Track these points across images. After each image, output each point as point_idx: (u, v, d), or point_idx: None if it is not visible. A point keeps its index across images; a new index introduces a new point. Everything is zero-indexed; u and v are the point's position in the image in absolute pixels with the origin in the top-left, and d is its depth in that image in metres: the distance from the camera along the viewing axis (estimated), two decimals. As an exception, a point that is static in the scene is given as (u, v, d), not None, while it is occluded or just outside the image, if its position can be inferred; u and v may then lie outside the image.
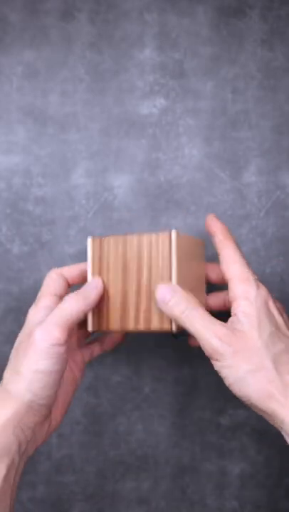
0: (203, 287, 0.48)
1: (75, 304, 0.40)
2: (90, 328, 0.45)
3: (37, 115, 0.55)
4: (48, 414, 0.40)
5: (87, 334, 0.49)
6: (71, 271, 0.45)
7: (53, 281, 0.44)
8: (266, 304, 0.40)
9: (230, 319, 0.40)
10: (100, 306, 0.44)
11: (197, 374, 0.55)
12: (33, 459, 0.55)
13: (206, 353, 0.39)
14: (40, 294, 0.43)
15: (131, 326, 0.44)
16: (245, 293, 0.40)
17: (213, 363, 0.39)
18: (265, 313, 0.39)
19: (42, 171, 0.55)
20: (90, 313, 0.45)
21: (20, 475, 0.38)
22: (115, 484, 0.55)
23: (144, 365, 0.55)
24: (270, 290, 0.55)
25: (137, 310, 0.43)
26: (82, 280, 0.46)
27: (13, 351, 0.41)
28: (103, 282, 0.43)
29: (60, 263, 0.55)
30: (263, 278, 0.55)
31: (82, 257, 0.55)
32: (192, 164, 0.55)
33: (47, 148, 0.55)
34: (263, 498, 0.55)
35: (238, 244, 0.43)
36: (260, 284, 0.41)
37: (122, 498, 0.55)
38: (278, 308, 0.41)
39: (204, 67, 0.55)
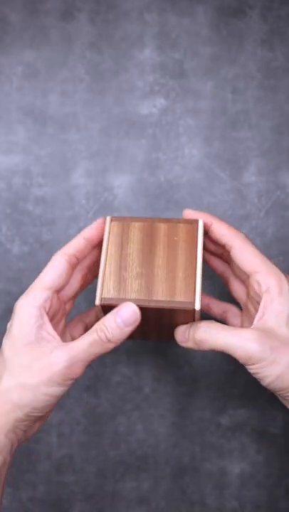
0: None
1: (105, 346, 0.38)
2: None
3: (37, 115, 0.55)
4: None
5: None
6: (79, 246, 0.42)
7: (53, 269, 0.41)
8: None
9: (258, 316, 0.40)
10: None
11: (197, 374, 0.55)
12: (33, 459, 0.55)
13: (242, 361, 0.38)
14: (33, 284, 0.40)
15: (154, 340, 0.44)
16: (278, 288, 0.40)
17: (250, 367, 0.38)
18: None
19: (42, 171, 0.55)
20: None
21: (8, 471, 0.39)
22: (115, 484, 0.55)
23: (144, 365, 0.55)
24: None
25: (159, 334, 0.43)
26: (89, 252, 0.43)
27: (6, 350, 0.39)
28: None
29: (60, 263, 0.55)
30: (263, 278, 0.55)
31: (82, 257, 0.55)
32: (192, 164, 0.55)
33: (47, 148, 0.55)
34: (263, 498, 0.55)
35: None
36: (287, 275, 0.41)
37: (122, 498, 0.55)
38: None
39: (204, 67, 0.55)
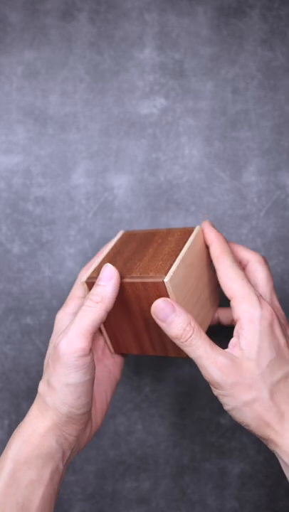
0: (214, 296, 0.47)
1: (95, 310, 0.38)
2: (112, 350, 0.45)
3: (37, 115, 0.55)
4: (89, 420, 0.40)
5: None
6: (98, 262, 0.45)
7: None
8: (271, 326, 0.39)
9: (232, 342, 0.39)
10: (113, 326, 0.43)
11: (197, 374, 0.55)
12: (33, 459, 0.55)
13: (206, 380, 0.39)
14: (69, 296, 0.44)
15: (150, 352, 0.44)
16: (249, 314, 0.39)
17: (212, 389, 0.39)
18: (267, 338, 0.38)
19: (42, 171, 0.55)
20: (108, 338, 0.45)
21: (62, 480, 0.39)
22: (115, 484, 0.55)
23: (144, 365, 0.55)
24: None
25: (150, 338, 0.43)
26: None
27: (46, 358, 0.41)
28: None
29: (60, 263, 0.55)
30: (263, 278, 0.55)
31: (82, 257, 0.55)
32: (192, 164, 0.55)
33: (47, 148, 0.55)
34: (263, 498, 0.55)
35: (235, 258, 0.42)
36: (264, 303, 0.39)
37: (122, 498, 0.55)
38: (283, 327, 0.40)
39: (204, 67, 0.55)
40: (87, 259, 0.55)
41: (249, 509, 0.55)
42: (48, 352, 0.42)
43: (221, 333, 0.54)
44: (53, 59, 0.55)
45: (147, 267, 0.40)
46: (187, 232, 0.43)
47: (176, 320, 0.37)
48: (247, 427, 0.38)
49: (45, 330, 0.55)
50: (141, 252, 0.42)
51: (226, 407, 0.38)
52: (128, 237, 0.45)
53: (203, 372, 0.38)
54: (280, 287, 0.55)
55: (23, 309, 0.55)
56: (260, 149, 0.55)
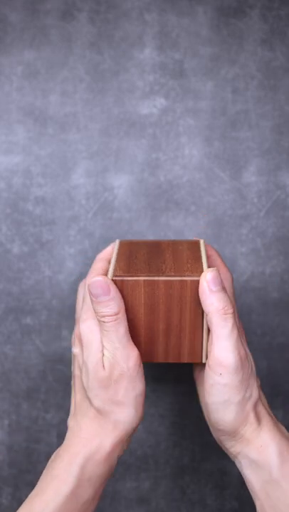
0: None
1: (119, 320, 0.38)
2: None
3: (37, 115, 0.55)
4: None
5: None
6: (105, 267, 0.43)
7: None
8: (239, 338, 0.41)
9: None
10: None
11: (197, 374, 0.55)
12: (33, 459, 0.55)
13: (216, 362, 0.38)
14: (82, 311, 0.41)
15: (160, 359, 0.43)
16: (218, 314, 0.40)
17: (212, 376, 0.38)
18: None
19: (42, 171, 0.55)
20: None
21: None
22: (115, 484, 0.55)
23: (144, 365, 0.55)
24: (270, 290, 0.55)
25: (167, 343, 0.42)
26: None
27: (89, 376, 0.40)
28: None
29: (60, 263, 0.55)
30: (262, 278, 0.55)
31: (82, 257, 0.55)
32: (192, 164, 0.55)
33: (47, 148, 0.55)
34: (262, 498, 0.55)
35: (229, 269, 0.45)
36: (236, 316, 0.41)
37: (122, 498, 0.55)
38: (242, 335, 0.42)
39: (204, 67, 0.55)
40: (87, 259, 0.55)
41: (249, 509, 0.55)
42: (93, 370, 0.39)
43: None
44: (53, 59, 0.55)
45: (177, 267, 0.40)
46: (193, 243, 0.45)
47: (223, 293, 0.38)
48: (222, 425, 0.39)
49: (45, 330, 0.55)
50: (157, 256, 0.42)
51: (213, 398, 0.38)
52: (130, 245, 0.45)
53: (223, 354, 0.37)
54: (280, 287, 0.55)
55: (23, 309, 0.55)
56: (260, 149, 0.55)
